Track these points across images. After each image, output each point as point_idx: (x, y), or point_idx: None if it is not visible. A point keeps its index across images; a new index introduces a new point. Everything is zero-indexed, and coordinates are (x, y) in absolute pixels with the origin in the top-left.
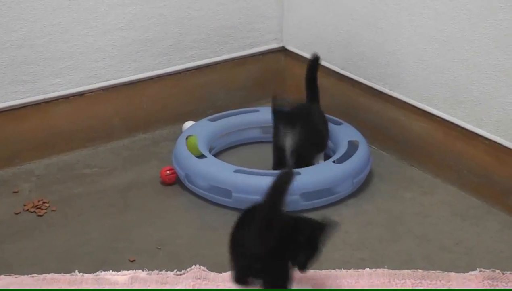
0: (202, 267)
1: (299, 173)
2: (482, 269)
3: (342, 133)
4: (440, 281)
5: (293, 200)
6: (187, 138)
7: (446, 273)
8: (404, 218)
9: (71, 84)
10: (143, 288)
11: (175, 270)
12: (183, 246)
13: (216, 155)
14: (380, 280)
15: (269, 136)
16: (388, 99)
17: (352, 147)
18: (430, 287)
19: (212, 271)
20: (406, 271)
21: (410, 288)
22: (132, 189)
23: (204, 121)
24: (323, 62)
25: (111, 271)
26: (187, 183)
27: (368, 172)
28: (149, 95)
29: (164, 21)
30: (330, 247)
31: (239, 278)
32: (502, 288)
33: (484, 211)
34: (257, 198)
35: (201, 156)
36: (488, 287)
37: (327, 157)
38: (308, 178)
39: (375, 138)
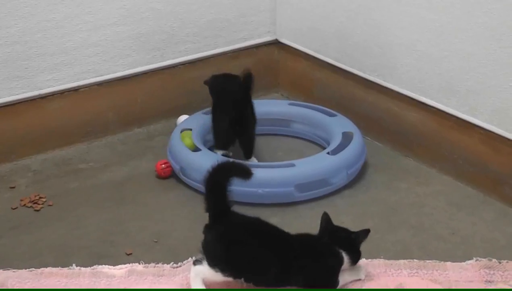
0: None
1: (293, 165)
2: (478, 258)
3: (337, 124)
4: (437, 270)
5: (288, 192)
6: (181, 132)
7: (442, 262)
8: (399, 209)
9: (66, 79)
10: (140, 288)
11: (172, 262)
12: (179, 239)
13: (210, 148)
14: (376, 270)
15: (263, 128)
16: (382, 90)
17: (347, 138)
18: (426, 276)
19: None
20: (402, 261)
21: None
22: (127, 183)
23: (198, 115)
24: (317, 54)
25: (108, 264)
26: (182, 176)
27: (363, 163)
28: (143, 89)
29: (158, 15)
30: None
31: None
32: (501, 286)
33: (480, 200)
34: (252, 189)
35: (196, 149)
36: (485, 276)
37: (322, 148)
38: (302, 169)
39: (370, 130)
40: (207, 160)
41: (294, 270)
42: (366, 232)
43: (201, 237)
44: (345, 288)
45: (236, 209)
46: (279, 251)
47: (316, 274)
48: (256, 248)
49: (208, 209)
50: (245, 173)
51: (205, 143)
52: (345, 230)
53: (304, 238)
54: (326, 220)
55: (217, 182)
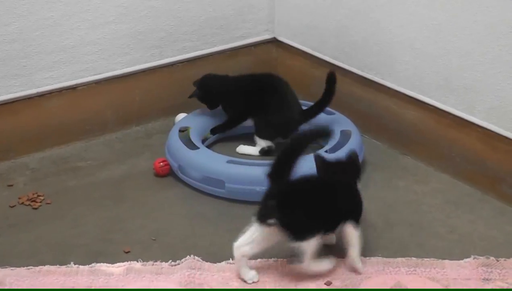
0: (196, 258)
1: None
2: (476, 256)
3: (335, 123)
4: (434, 268)
5: None
6: (183, 131)
7: (440, 260)
8: (397, 207)
9: (64, 77)
10: (139, 289)
11: (170, 260)
12: (177, 237)
13: (209, 146)
14: (374, 268)
15: None
16: (380, 89)
17: (345, 136)
18: (424, 274)
19: (207, 261)
20: (400, 259)
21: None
22: (126, 181)
23: (196, 113)
24: (315, 53)
25: (106, 262)
26: (180, 174)
27: (361, 161)
28: (141, 88)
29: (156, 13)
30: None
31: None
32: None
33: (477, 198)
34: (250, 187)
35: (194, 147)
36: (483, 274)
37: (320, 147)
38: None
39: (368, 128)
40: (205, 158)
41: (343, 212)
42: (355, 154)
43: (199, 234)
44: (343, 287)
45: (234, 207)
46: (332, 200)
47: (358, 212)
48: (317, 205)
49: (272, 173)
50: (326, 133)
51: (203, 141)
52: (341, 162)
53: (337, 181)
54: (320, 160)
55: (295, 152)
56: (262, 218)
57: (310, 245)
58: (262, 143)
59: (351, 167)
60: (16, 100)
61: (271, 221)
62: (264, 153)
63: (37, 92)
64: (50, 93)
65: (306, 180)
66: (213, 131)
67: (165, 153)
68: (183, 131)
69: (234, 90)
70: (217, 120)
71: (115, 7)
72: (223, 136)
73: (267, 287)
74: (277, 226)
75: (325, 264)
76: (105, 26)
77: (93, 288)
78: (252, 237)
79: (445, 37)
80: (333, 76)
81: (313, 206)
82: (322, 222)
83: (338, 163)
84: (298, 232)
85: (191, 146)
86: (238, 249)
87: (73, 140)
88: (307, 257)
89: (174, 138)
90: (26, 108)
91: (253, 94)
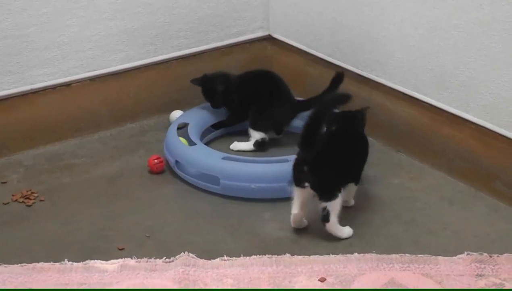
0: (191, 254)
1: (287, 160)
2: (469, 252)
3: None
4: (428, 265)
5: (281, 187)
6: (181, 128)
7: (434, 257)
8: (392, 203)
9: (58, 74)
10: (132, 289)
11: (164, 257)
12: (171, 234)
13: (209, 143)
14: (368, 264)
15: None
16: (375, 86)
17: None
18: (418, 270)
19: (201, 258)
20: (394, 255)
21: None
22: (120, 178)
23: (195, 110)
24: (310, 50)
25: (100, 259)
26: (176, 170)
27: None
28: (136, 85)
29: (150, 10)
30: (317, 232)
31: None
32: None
33: (471, 195)
34: (245, 184)
35: (191, 143)
36: (476, 270)
37: None
38: None
39: None
40: (200, 154)
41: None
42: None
43: (194, 231)
44: (337, 283)
45: (229, 203)
46: (354, 153)
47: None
48: (343, 163)
49: (302, 142)
50: (345, 99)
51: (203, 137)
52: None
53: (356, 133)
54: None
55: (319, 120)
56: (298, 183)
57: (336, 203)
58: (256, 135)
59: (360, 117)
60: (10, 97)
61: (306, 184)
62: (258, 145)
63: (31, 89)
64: (44, 90)
65: (332, 140)
66: (215, 126)
67: (163, 148)
68: (181, 128)
69: (234, 87)
70: (215, 116)
71: (109, 3)
72: (224, 133)
73: (263, 286)
74: (310, 188)
75: (346, 230)
76: (99, 23)
77: (87, 285)
78: (296, 199)
79: (440, 35)
80: (340, 77)
81: (338, 166)
82: (346, 177)
83: (347, 114)
84: (327, 192)
85: (189, 141)
86: (293, 215)
87: (67, 138)
88: (334, 215)
89: (172, 133)
90: (19, 105)
91: (250, 87)
